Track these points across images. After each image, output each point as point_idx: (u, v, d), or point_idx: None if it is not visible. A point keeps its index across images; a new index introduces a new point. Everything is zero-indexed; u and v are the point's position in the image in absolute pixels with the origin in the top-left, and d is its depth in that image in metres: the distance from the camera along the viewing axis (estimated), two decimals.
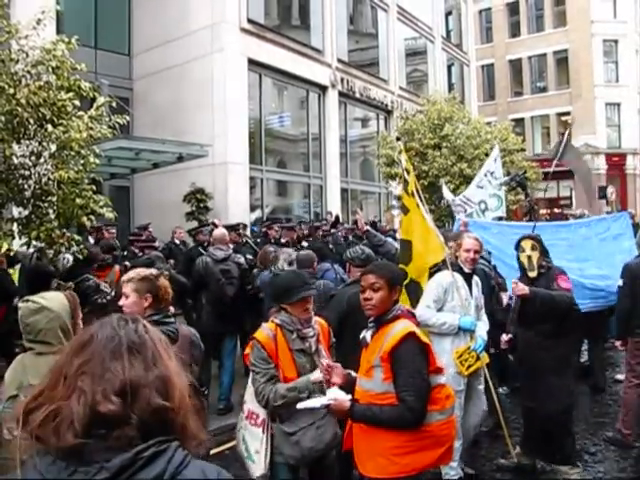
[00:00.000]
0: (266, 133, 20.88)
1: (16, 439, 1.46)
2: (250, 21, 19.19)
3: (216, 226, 11.34)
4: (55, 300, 3.78)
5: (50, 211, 7.70)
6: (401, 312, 3.90)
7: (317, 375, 4.02)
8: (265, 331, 4.20)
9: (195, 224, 15.15)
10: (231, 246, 9.81)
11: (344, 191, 23.80)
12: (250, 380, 4.25)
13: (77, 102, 7.52)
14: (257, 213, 19.78)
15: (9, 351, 8.37)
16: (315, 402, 3.82)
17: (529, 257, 6.19)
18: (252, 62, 19.20)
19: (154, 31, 19.33)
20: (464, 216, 10.92)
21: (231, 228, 11.63)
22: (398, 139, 10.51)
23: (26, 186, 7.65)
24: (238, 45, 18.65)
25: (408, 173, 6.83)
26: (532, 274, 6.14)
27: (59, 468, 1.37)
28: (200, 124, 17.85)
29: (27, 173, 7.67)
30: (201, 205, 17.44)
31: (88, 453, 1.37)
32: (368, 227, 9.40)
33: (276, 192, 22.35)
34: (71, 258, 7.91)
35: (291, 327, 4.16)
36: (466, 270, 5.96)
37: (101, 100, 7.82)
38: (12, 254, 8.77)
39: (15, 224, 7.78)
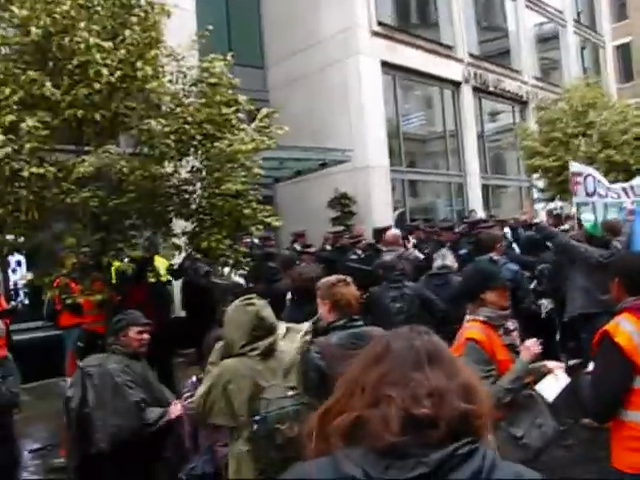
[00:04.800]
0: (403, 134, 20.76)
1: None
2: (380, 23, 19.20)
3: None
4: None
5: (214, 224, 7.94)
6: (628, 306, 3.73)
7: (527, 355, 3.90)
8: (475, 329, 4.06)
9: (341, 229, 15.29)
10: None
11: (485, 187, 23.38)
12: None
13: (241, 115, 7.74)
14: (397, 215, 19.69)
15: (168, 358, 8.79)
16: (554, 382, 3.69)
17: None
18: (385, 64, 19.19)
19: (285, 42, 19.65)
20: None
21: (382, 231, 11.70)
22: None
23: (192, 200, 7.95)
24: (370, 49, 18.69)
25: None
26: None
27: (374, 460, 1.44)
28: (338, 130, 17.99)
29: (191, 188, 7.98)
30: (345, 210, 17.56)
31: (404, 449, 1.43)
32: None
33: (417, 192, 22.21)
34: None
35: (497, 322, 4.03)
36: None
37: (264, 111, 8.00)
38: (175, 267, 9.12)
39: (184, 237, 8.06)
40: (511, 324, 4.14)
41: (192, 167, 8.04)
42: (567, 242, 8.08)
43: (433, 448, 1.43)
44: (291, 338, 4.17)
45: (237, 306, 4.08)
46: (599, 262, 7.61)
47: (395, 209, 19.38)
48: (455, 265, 8.25)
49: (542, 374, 4.05)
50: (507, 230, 13.30)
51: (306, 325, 4.28)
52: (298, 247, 12.59)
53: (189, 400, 4.63)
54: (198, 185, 7.96)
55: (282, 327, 4.21)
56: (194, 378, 4.90)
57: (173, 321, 9.86)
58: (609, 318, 7.51)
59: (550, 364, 3.96)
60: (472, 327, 4.04)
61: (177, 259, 8.78)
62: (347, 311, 4.13)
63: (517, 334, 4.23)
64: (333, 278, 4.34)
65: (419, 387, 1.50)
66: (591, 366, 3.82)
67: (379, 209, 17.94)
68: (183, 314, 10.41)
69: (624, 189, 10.79)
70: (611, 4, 38.50)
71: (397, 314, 7.35)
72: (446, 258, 8.16)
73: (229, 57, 8.09)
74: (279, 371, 3.90)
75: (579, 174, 10.67)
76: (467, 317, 4.19)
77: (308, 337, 4.10)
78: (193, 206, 8.01)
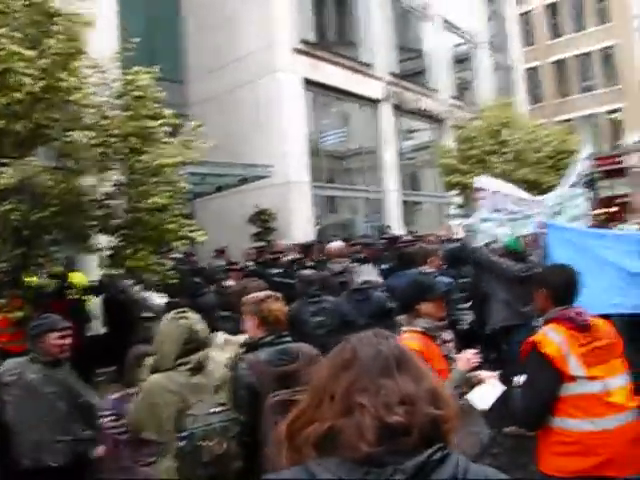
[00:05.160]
0: (324, 150, 20.94)
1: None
2: (302, 41, 19.32)
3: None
4: None
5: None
6: (555, 317, 3.83)
7: (464, 365, 3.95)
8: (413, 340, 4.06)
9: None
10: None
11: (403, 203, 23.69)
12: None
13: (167, 128, 7.65)
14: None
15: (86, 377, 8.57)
16: (489, 391, 3.75)
17: None
18: (307, 81, 19.31)
19: (207, 57, 19.58)
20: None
21: (310, 247, 11.77)
22: None
23: (115, 214, 7.79)
24: (292, 66, 18.80)
25: None
26: None
27: (351, 468, 1.44)
28: (258, 146, 17.95)
29: (115, 202, 7.82)
30: (266, 226, 17.52)
31: (380, 458, 1.44)
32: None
33: (336, 208, 22.39)
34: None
35: (434, 332, 4.08)
36: None
37: (192, 124, 7.93)
38: (95, 284, 8.93)
39: (106, 252, 7.88)
40: (447, 335, 4.20)
41: (115, 181, 7.87)
42: (488, 257, 8.26)
43: (408, 455, 1.45)
44: (229, 350, 4.13)
45: (170, 319, 4.01)
46: (519, 276, 7.81)
47: (317, 224, 19.45)
48: (378, 280, 8.32)
49: (473, 383, 4.10)
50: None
51: (242, 337, 4.25)
52: (219, 263, 12.50)
53: (107, 419, 4.49)
54: (121, 199, 7.80)
55: (221, 338, 4.16)
56: (113, 396, 4.75)
57: (92, 339, 9.60)
58: (529, 329, 7.73)
59: (484, 374, 4.03)
60: (410, 338, 4.05)
61: (97, 275, 8.58)
62: (275, 327, 4.08)
63: (453, 345, 4.28)
64: (262, 294, 4.29)
65: (390, 394, 1.50)
66: (517, 377, 3.92)
67: (299, 225, 17.97)
68: (103, 331, 10.16)
69: (531, 201, 11.08)
70: (521, 30, 39.94)
71: (317, 328, 7.34)
72: (366, 274, 8.21)
73: (156, 70, 7.98)
74: (209, 387, 3.87)
75: (483, 189, 10.94)
76: (404, 328, 4.22)
77: (243, 349, 4.08)
78: (116, 220, 7.84)
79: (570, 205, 11.09)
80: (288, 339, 4.10)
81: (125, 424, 4.14)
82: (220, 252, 13.61)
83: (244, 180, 15.47)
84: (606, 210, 35.85)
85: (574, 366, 3.65)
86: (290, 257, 11.58)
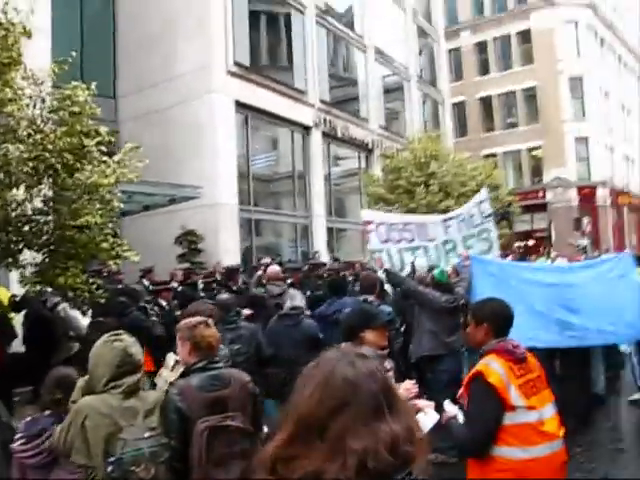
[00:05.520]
0: (253, 173, 20.97)
1: None
2: (236, 64, 19.40)
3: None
4: None
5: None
6: (494, 348, 3.97)
7: (404, 394, 4.03)
8: None
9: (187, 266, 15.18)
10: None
11: (329, 230, 23.89)
12: None
13: (103, 148, 7.56)
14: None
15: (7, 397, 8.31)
16: (425, 420, 3.81)
17: None
18: (239, 104, 19.39)
19: (141, 74, 19.47)
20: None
21: (234, 270, 11.74)
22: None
23: (44, 231, 7.62)
24: (225, 88, 18.85)
25: None
26: None
27: None
28: (188, 166, 17.84)
29: (44, 219, 7.66)
30: (192, 247, 17.38)
31: None
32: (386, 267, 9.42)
33: (263, 232, 22.38)
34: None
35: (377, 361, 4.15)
36: None
37: (129, 145, 7.85)
38: (17, 299, 8.69)
39: (31, 269, 7.71)
40: (388, 363, 4.25)
41: (44, 196, 7.70)
42: (416, 288, 8.40)
43: None
44: (179, 371, 4.12)
45: (104, 341, 3.93)
46: (445, 307, 7.98)
47: (245, 248, 19.42)
48: (304, 305, 8.34)
49: None
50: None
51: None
52: (146, 283, 12.34)
53: (17, 443, 4.35)
54: (51, 216, 7.64)
55: (171, 359, 4.13)
56: (28, 418, 4.61)
57: (13, 357, 9.32)
58: (454, 359, 7.89)
59: (420, 403, 4.11)
60: None
61: (19, 290, 8.36)
62: (208, 353, 4.09)
63: (393, 374, 4.33)
64: (194, 319, 4.29)
65: (382, 439, 1.54)
66: (447, 404, 4.02)
67: (226, 247, 17.90)
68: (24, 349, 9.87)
69: (418, 226, 11.42)
70: (450, 65, 41.05)
71: (235, 356, 7.28)
72: (295, 299, 8.22)
73: (93, 86, 7.90)
74: (141, 411, 3.79)
75: (370, 222, 11.32)
76: None
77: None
78: (45, 237, 7.68)
79: (480, 239, 11.63)
80: (220, 365, 4.10)
81: (38, 448, 4.04)
82: (147, 272, 13.39)
83: (173, 200, 15.35)
84: (525, 243, 36.92)
85: (514, 396, 3.77)
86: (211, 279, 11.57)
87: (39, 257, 7.77)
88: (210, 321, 4.29)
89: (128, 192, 13.58)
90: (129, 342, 3.96)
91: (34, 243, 7.61)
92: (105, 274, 10.54)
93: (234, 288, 10.96)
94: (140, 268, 13.54)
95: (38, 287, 7.91)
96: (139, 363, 3.96)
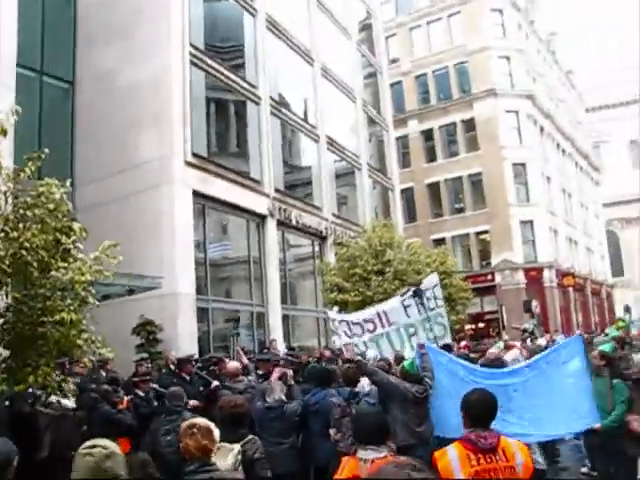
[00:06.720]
0: (210, 263, 21.10)
1: None
2: (195, 155, 19.73)
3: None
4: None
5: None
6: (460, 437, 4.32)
7: None
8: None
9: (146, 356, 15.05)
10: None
11: (284, 317, 23.96)
12: None
13: (81, 246, 7.62)
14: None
15: None
16: None
17: None
18: (196, 194, 19.64)
19: (98, 163, 19.65)
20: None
21: (186, 361, 11.77)
22: None
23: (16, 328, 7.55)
24: (183, 178, 19.12)
25: None
26: None
27: None
28: (147, 255, 17.77)
29: (14, 319, 7.60)
30: (151, 337, 17.24)
31: None
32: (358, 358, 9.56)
33: (222, 321, 22.36)
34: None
35: None
36: None
37: (106, 243, 7.93)
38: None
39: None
40: None
41: (15, 295, 7.63)
42: (388, 379, 8.52)
43: None
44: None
45: (78, 452, 3.79)
46: (415, 397, 8.14)
47: (200, 338, 19.31)
48: (283, 395, 8.42)
49: None
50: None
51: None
52: (103, 374, 12.23)
53: None
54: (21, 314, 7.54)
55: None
56: None
57: None
58: (424, 448, 8.01)
59: None
60: None
61: None
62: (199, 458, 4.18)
63: None
64: (184, 424, 4.37)
65: None
66: None
67: (184, 337, 17.84)
68: None
69: (378, 315, 11.93)
70: (398, 153, 42.17)
71: (166, 447, 7.24)
72: (275, 391, 8.31)
73: (68, 183, 8.03)
74: None
75: (334, 320, 12.15)
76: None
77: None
78: (10, 335, 7.61)
79: (436, 323, 12.22)
80: (215, 467, 4.16)
81: None
82: (104, 363, 13.17)
83: (131, 291, 15.32)
84: (474, 326, 37.45)
85: None
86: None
87: (6, 353, 7.68)
88: (195, 429, 4.23)
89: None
90: (102, 456, 3.74)
91: (3, 340, 7.55)
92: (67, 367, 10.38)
93: (187, 378, 11.10)
94: (97, 359, 13.38)
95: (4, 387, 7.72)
96: (116, 474, 3.76)
